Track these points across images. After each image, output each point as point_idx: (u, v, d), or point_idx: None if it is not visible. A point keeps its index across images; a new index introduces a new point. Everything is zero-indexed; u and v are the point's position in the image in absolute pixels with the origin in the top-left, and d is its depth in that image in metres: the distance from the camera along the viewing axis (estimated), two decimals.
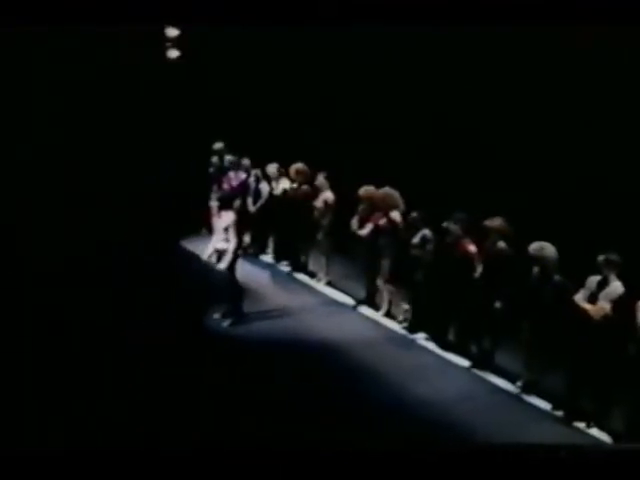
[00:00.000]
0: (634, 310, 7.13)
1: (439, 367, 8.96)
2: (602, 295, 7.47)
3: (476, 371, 8.80)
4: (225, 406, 7.57)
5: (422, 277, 9.37)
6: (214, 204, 10.39)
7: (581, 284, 7.75)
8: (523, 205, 9.51)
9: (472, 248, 8.82)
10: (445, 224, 8.99)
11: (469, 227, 8.87)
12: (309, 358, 8.98)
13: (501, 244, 8.53)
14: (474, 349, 8.99)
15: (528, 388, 8.27)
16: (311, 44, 12.17)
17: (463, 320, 9.01)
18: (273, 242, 12.49)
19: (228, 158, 12.67)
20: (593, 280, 7.64)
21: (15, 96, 12.98)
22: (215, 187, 12.03)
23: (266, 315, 10.26)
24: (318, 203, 11.23)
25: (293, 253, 12.00)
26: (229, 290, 9.92)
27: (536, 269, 8.05)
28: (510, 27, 7.95)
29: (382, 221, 9.91)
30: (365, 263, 10.47)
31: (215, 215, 10.24)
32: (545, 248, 7.98)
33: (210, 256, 9.88)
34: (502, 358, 8.82)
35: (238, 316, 9.97)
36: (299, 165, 11.64)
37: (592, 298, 7.54)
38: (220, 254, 9.79)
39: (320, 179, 11.30)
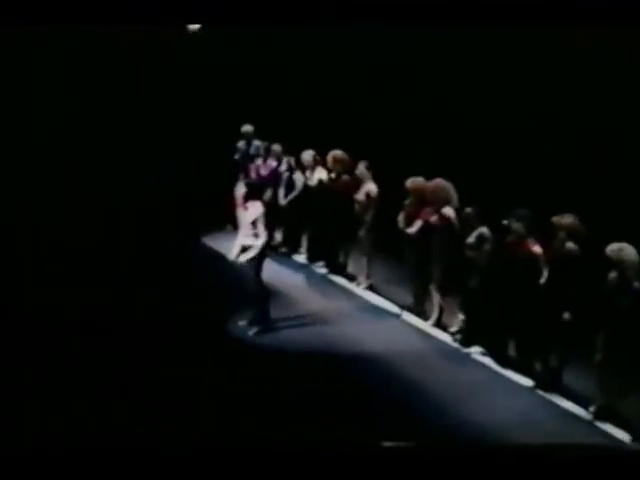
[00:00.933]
0: None
1: (496, 386, 8.73)
2: None
3: (540, 392, 8.53)
4: (250, 424, 7.45)
5: (478, 282, 9.20)
6: (240, 194, 10.18)
7: None
8: (597, 200, 9.52)
9: (537, 249, 8.59)
10: (506, 221, 8.79)
11: (533, 225, 8.67)
12: (347, 372, 8.84)
13: (571, 245, 8.28)
14: (538, 367, 8.72)
15: (602, 413, 7.95)
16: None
17: (526, 332, 8.77)
18: (307, 240, 12.34)
19: (256, 143, 12.67)
20: None
21: (15, 96, 13.91)
22: (241, 176, 11.88)
23: (298, 323, 10.15)
24: (359, 196, 11.00)
25: (329, 253, 11.89)
26: (256, 294, 9.77)
27: (613, 274, 7.77)
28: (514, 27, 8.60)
29: (433, 217, 9.72)
30: (412, 265, 10.29)
31: (241, 207, 9.99)
32: (624, 250, 7.73)
33: (237, 256, 9.71)
34: (571, 378, 8.56)
35: (265, 323, 9.84)
36: (338, 152, 11.42)
37: None
38: (246, 251, 9.61)
39: (361, 168, 11.03)
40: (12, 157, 13.47)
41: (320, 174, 11.89)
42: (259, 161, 12.48)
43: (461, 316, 9.70)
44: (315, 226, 12.07)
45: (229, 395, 8.08)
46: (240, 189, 10.28)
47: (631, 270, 7.70)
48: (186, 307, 10.08)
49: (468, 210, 9.39)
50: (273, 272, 10.32)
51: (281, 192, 12.17)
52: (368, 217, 10.97)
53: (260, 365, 9.00)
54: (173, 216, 13.07)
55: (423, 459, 4.56)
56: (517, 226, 8.71)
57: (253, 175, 11.90)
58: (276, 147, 12.43)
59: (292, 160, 12.24)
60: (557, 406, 8.33)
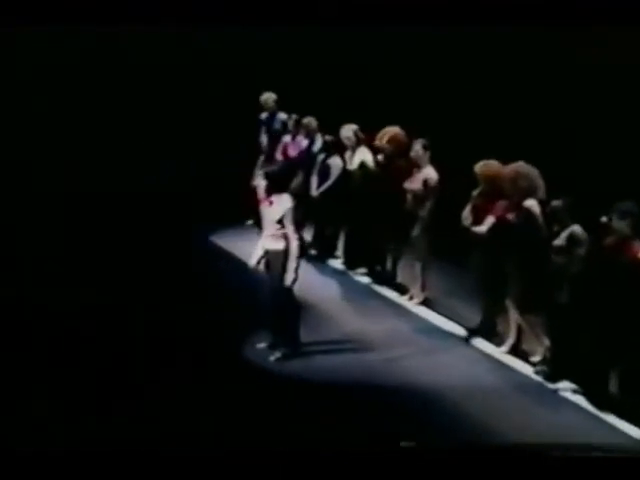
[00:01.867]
0: None
1: (593, 432, 8.34)
2: None
3: None
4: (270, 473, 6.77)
5: (569, 296, 8.88)
6: (261, 184, 9.76)
7: None
8: None
9: None
10: (604, 218, 8.59)
11: None
12: (395, 413, 8.45)
13: None
14: None
15: None
16: None
17: (632, 363, 8.47)
18: (345, 240, 12.11)
19: (282, 117, 12.50)
20: None
21: (15, 95, 14.77)
22: (262, 158, 11.99)
23: (333, 347, 9.93)
24: (414, 185, 10.61)
25: (374, 257, 11.64)
26: (281, 309, 9.57)
27: None
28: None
29: (510, 213, 9.35)
30: (481, 274, 9.93)
31: (264, 200, 9.66)
32: None
33: (259, 262, 9.52)
34: None
35: (292, 346, 9.63)
36: (394, 129, 11.07)
37: None
38: (271, 257, 9.42)
39: (417, 149, 10.61)
40: (11, 157, 14.18)
41: (364, 156, 11.48)
42: (287, 139, 12.30)
43: (546, 341, 9.29)
44: (356, 223, 11.79)
45: (245, 435, 7.86)
46: (261, 178, 9.97)
47: None
48: (193, 325, 10.06)
49: (556, 203, 9.00)
50: (301, 281, 9.84)
51: (313, 179, 11.94)
52: (424, 212, 10.56)
53: (284, 400, 8.74)
54: (179, 212, 13.34)
55: None
56: (620, 224, 8.48)
57: (279, 157, 11.77)
58: (309, 121, 12.20)
59: (328, 138, 11.96)
60: None
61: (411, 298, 10.98)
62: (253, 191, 10.87)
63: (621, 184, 9.38)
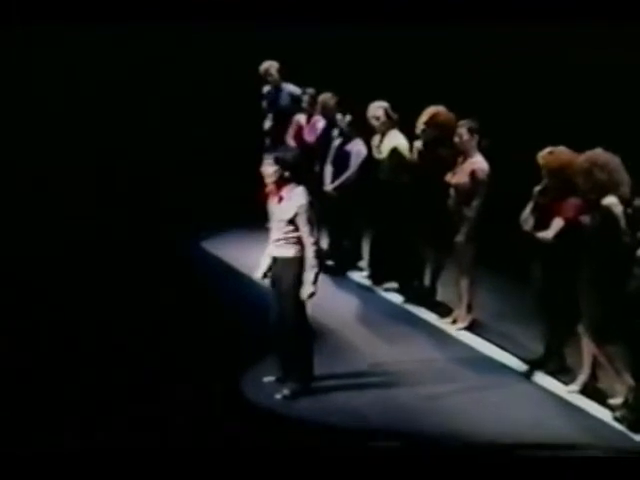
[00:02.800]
0: None
1: None
2: None
3: None
4: None
5: None
6: (269, 171, 9.27)
7: None
8: None
9: None
10: None
11: None
12: (435, 466, 7.83)
13: None
14: None
15: None
16: None
17: None
18: (371, 248, 11.73)
19: (291, 89, 12.44)
20: None
21: (16, 95, 15.75)
22: (268, 142, 11.80)
23: (355, 382, 9.50)
24: (458, 178, 10.13)
25: (406, 269, 11.33)
26: (291, 334, 9.17)
27: None
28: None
29: (584, 214, 8.81)
30: (546, 291, 9.40)
31: (271, 194, 9.16)
32: None
33: (265, 274, 9.20)
34: None
35: (305, 381, 9.19)
36: (433, 108, 10.69)
37: None
38: (280, 268, 9.08)
39: (462, 133, 10.12)
40: (11, 157, 14.77)
41: (396, 141, 11.00)
42: (301, 119, 11.98)
43: (629, 379, 8.67)
44: (384, 226, 11.35)
45: None
46: (268, 165, 9.43)
47: None
48: (187, 354, 9.89)
49: None
50: (316, 299, 9.45)
51: (327, 170, 11.56)
52: (472, 212, 10.08)
53: (293, 449, 8.35)
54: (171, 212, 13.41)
55: None
56: None
57: (290, 141, 11.51)
58: (326, 97, 11.78)
59: (350, 118, 11.55)
60: None
61: (454, 321, 10.52)
62: (261, 183, 10.15)
63: None
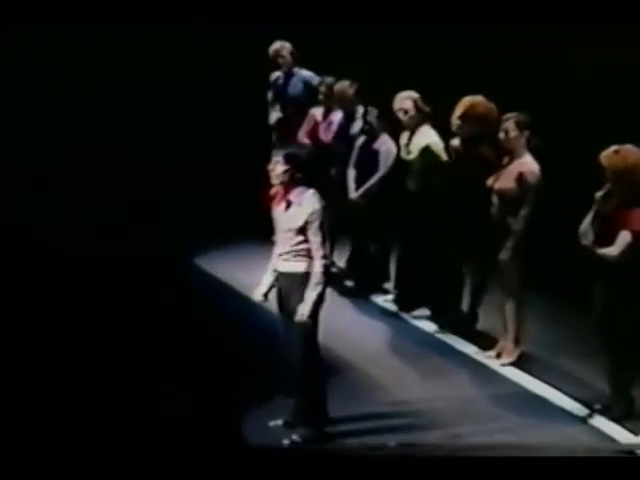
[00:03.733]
0: None
1: None
2: None
3: None
4: None
5: None
6: (277, 170, 9.09)
7: None
8: None
9: None
10: None
11: None
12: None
13: None
14: None
15: None
16: None
17: None
18: (398, 266, 11.42)
19: (304, 75, 12.37)
20: None
21: (16, 95, 16.59)
22: (276, 137, 11.70)
23: (376, 425, 9.17)
24: (504, 182, 9.70)
25: (442, 291, 10.96)
26: (302, 367, 8.85)
27: None
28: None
29: None
30: (609, 320, 9.04)
31: (278, 199, 8.90)
32: None
33: (267, 293, 8.96)
34: None
35: (317, 424, 8.87)
36: (472, 99, 10.29)
37: None
38: (286, 286, 8.86)
39: (508, 128, 9.73)
40: (11, 157, 15.51)
41: (429, 138, 10.61)
42: (316, 113, 11.75)
43: None
44: (414, 240, 11.02)
45: None
46: (278, 164, 9.23)
47: None
48: (181, 392, 9.68)
49: None
50: (332, 327, 9.37)
51: (350, 173, 11.17)
52: (519, 224, 9.67)
53: None
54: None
55: None
56: None
57: (302, 137, 11.35)
58: (344, 86, 11.43)
59: (374, 110, 11.11)
60: None
61: (499, 355, 10.05)
62: (266, 185, 9.97)
63: None
